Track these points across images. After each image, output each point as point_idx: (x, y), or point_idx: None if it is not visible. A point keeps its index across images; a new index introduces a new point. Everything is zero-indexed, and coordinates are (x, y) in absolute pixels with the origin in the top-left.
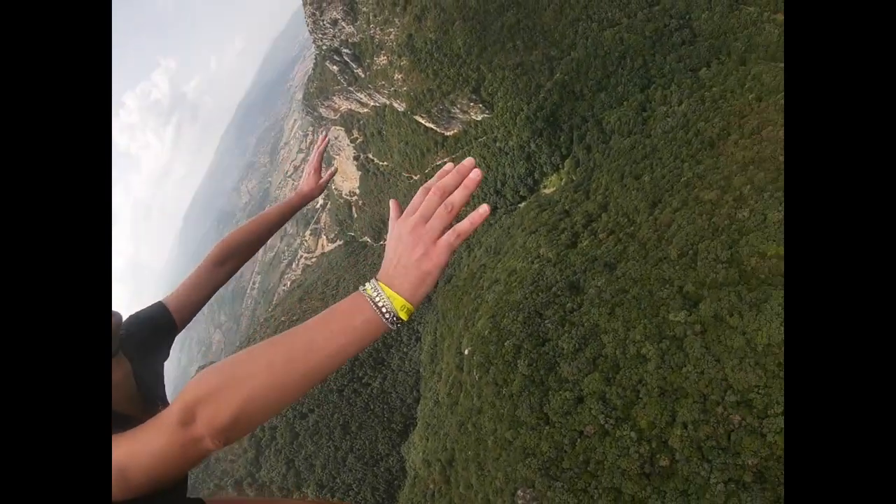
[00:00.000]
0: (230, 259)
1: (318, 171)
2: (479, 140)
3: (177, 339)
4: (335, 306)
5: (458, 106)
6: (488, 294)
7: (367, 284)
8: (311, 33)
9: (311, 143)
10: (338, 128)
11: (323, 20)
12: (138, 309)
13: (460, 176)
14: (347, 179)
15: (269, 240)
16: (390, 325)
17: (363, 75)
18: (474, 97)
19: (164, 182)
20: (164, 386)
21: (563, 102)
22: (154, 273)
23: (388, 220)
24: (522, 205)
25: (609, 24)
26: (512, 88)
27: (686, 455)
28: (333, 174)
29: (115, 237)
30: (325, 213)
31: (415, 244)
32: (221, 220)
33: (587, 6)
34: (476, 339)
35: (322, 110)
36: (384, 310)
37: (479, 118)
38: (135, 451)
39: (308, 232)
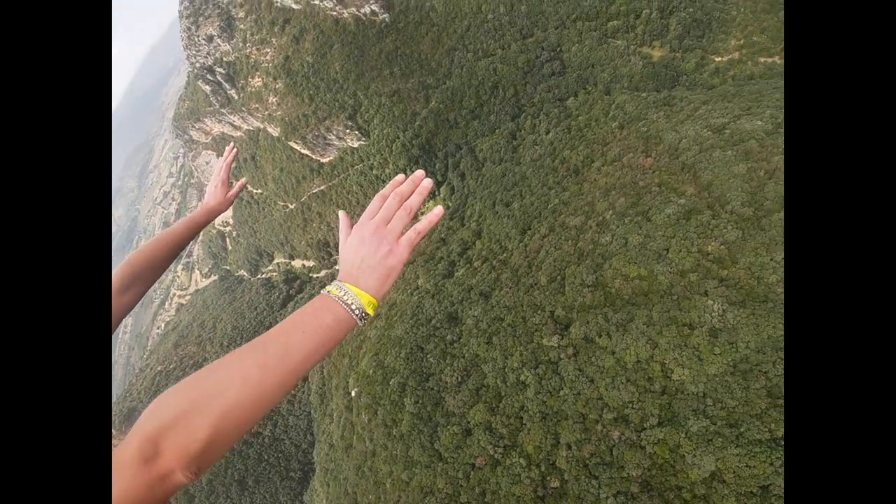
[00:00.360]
0: (133, 286)
1: (227, 184)
2: (356, 167)
3: None
4: (302, 310)
5: (334, 132)
6: (370, 330)
7: (330, 286)
8: (185, 49)
9: (183, 168)
10: (209, 152)
11: (198, 35)
12: None
13: (414, 184)
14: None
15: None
16: (359, 321)
17: (237, 97)
18: (350, 124)
19: None
20: None
21: (438, 130)
22: None
23: (263, 251)
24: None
25: (484, 54)
26: (388, 116)
27: (574, 475)
28: (244, 186)
29: None
30: (197, 246)
31: (379, 243)
32: None
33: (463, 36)
34: (362, 379)
35: (193, 133)
36: (353, 306)
37: (356, 145)
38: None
39: (180, 266)
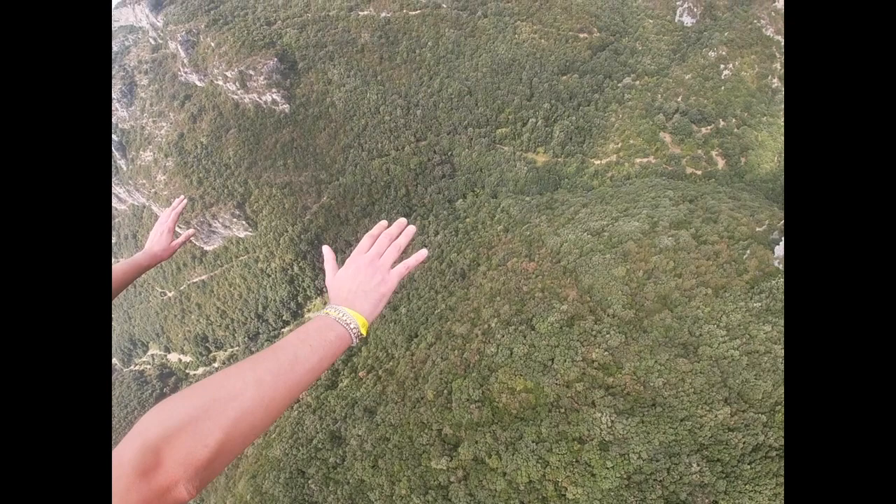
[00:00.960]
0: None
1: (172, 231)
2: (241, 258)
3: None
4: (305, 327)
5: (221, 220)
6: (248, 448)
7: (327, 309)
8: None
9: None
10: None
11: None
12: None
13: (400, 229)
14: None
15: None
16: (355, 339)
17: (125, 168)
18: (238, 213)
19: None
20: None
21: (328, 226)
22: None
23: (137, 340)
24: (286, 330)
25: (378, 154)
26: (278, 207)
27: None
28: (190, 237)
29: None
30: None
31: (373, 273)
32: None
33: (360, 135)
34: None
35: None
36: (351, 325)
37: (242, 235)
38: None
39: None
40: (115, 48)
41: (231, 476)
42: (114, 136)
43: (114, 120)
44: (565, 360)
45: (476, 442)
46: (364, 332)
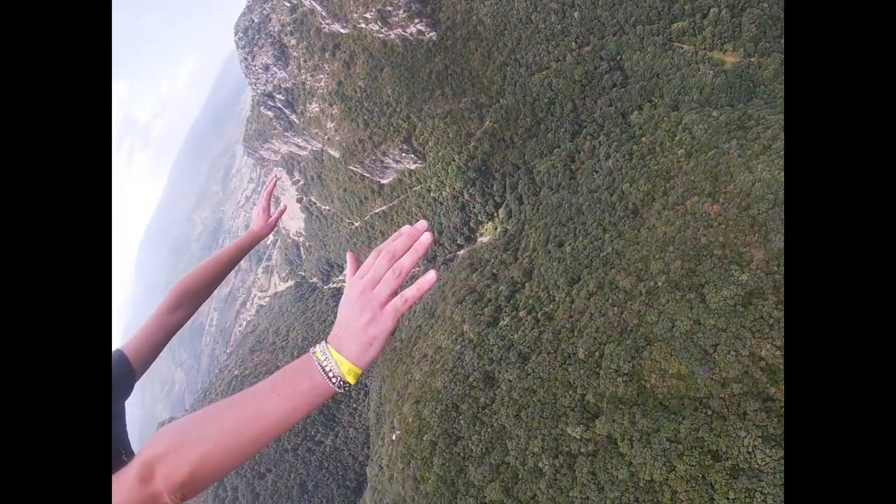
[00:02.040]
0: (183, 305)
1: (267, 210)
2: (414, 189)
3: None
4: (286, 369)
5: (391, 156)
6: (417, 370)
7: (316, 347)
8: (245, 77)
9: (260, 175)
10: (279, 169)
11: (255, 65)
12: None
13: (411, 239)
14: (294, 219)
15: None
16: (337, 389)
17: (297, 121)
18: (406, 147)
19: (116, 210)
20: (125, 430)
21: (494, 151)
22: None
23: (333, 262)
24: (461, 252)
25: (538, 68)
26: (442, 138)
27: None
28: (283, 212)
29: None
30: (275, 251)
31: (362, 309)
32: (176, 250)
33: (514, 50)
34: (402, 424)
35: (263, 152)
36: (331, 374)
37: (413, 167)
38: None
39: (261, 269)
40: (255, 19)
41: (402, 395)
42: (279, 96)
43: (275, 82)
44: (729, 352)
45: (613, 420)
46: (351, 381)
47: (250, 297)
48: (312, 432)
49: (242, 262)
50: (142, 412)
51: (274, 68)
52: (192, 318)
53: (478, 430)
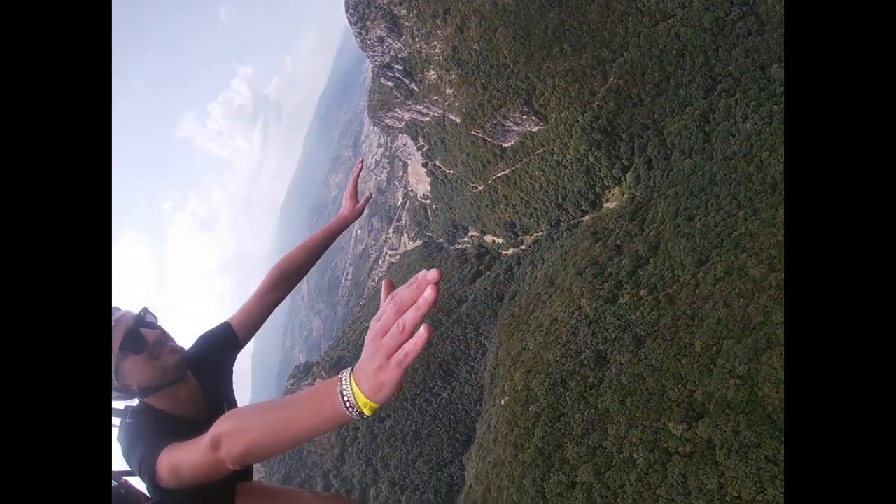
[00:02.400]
0: (279, 287)
1: (354, 196)
2: (537, 153)
3: (281, 324)
4: (316, 389)
5: (512, 119)
6: (531, 340)
7: (344, 373)
8: (362, 50)
9: (387, 141)
10: (405, 136)
11: (369, 38)
12: (243, 297)
13: (417, 291)
14: (421, 182)
15: (358, 233)
16: (355, 417)
17: (417, 90)
18: (527, 109)
19: (258, 179)
20: (232, 391)
21: (620, 110)
22: (257, 261)
23: (458, 224)
24: (586, 219)
25: (662, 16)
26: (564, 97)
27: None
28: (369, 199)
29: (217, 233)
30: (405, 213)
31: (373, 355)
32: (314, 211)
33: None
34: (512, 391)
35: (387, 120)
36: (348, 404)
37: (535, 129)
38: (185, 459)
39: (391, 229)
40: None
41: (515, 362)
42: (397, 66)
43: (391, 53)
44: None
45: (717, 426)
46: (367, 413)
47: (382, 254)
48: (431, 384)
49: (375, 222)
50: (281, 355)
51: (388, 40)
52: (330, 272)
53: (581, 409)
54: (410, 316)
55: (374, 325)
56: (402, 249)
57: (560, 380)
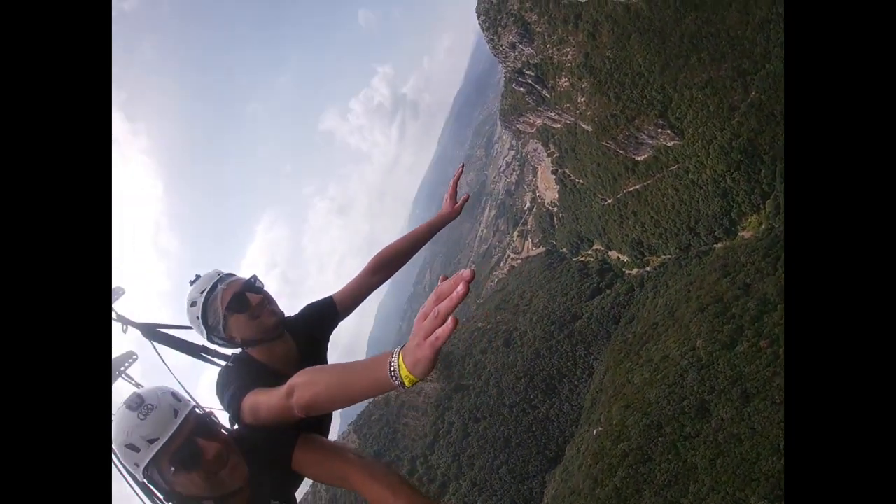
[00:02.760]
0: (381, 271)
1: (453, 197)
2: (671, 169)
3: (401, 309)
4: (376, 358)
5: (646, 132)
6: (638, 374)
7: (396, 350)
8: (494, 56)
9: (518, 145)
10: (535, 141)
11: (501, 44)
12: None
13: (453, 286)
14: (549, 189)
15: (483, 232)
16: (397, 386)
17: (549, 96)
18: (662, 122)
19: (394, 172)
20: (325, 357)
21: (762, 128)
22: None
23: (583, 236)
24: (718, 247)
25: None
26: (702, 111)
27: None
28: (466, 200)
29: (352, 218)
30: (531, 217)
31: (415, 334)
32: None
33: (776, 2)
34: (606, 423)
35: (519, 125)
36: (393, 374)
37: (670, 144)
38: (265, 401)
39: (516, 232)
40: (493, 0)
41: (617, 393)
42: (528, 73)
43: (523, 59)
44: None
45: None
46: (408, 385)
47: (505, 256)
48: (531, 396)
49: (501, 223)
50: (397, 338)
51: (520, 46)
52: (453, 266)
53: (670, 458)
54: (444, 305)
55: (422, 308)
56: (524, 254)
57: (657, 423)
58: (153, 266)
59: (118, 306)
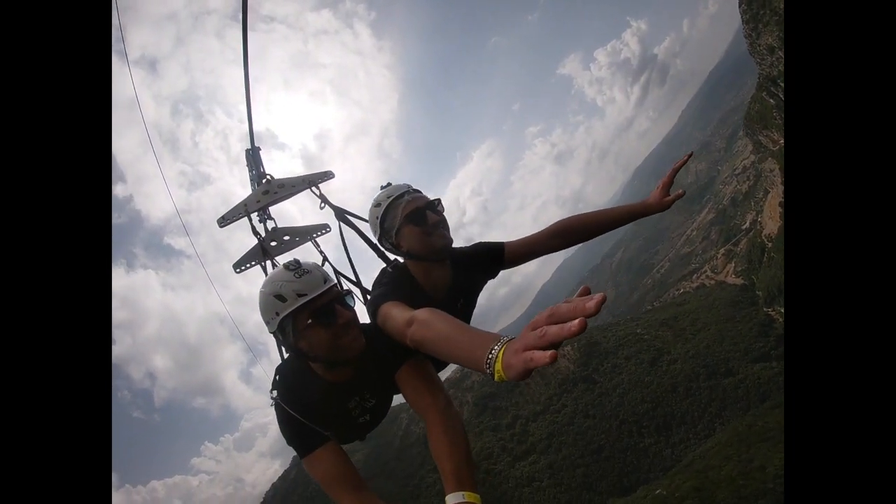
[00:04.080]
0: (563, 237)
1: (667, 187)
2: None
3: (578, 278)
4: (486, 335)
5: None
6: (731, 466)
7: (504, 339)
8: (750, 54)
9: (754, 160)
10: (773, 161)
11: (759, 44)
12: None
13: (571, 314)
14: (772, 219)
15: (693, 234)
16: (486, 373)
17: None
18: None
19: (624, 134)
20: (474, 300)
21: None
22: (595, 208)
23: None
24: None
25: None
26: None
27: None
28: (680, 196)
29: (567, 168)
30: (745, 240)
31: (519, 339)
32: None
33: None
34: (669, 490)
35: (761, 137)
36: (488, 361)
37: None
38: (392, 315)
39: (724, 250)
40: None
41: (697, 470)
42: (783, 85)
43: (779, 66)
44: None
45: None
46: (495, 377)
47: (701, 270)
48: (644, 423)
49: (714, 233)
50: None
51: (779, 52)
52: (644, 255)
53: None
54: (554, 332)
55: (535, 318)
56: (722, 277)
57: None
58: (370, 163)
59: (323, 187)
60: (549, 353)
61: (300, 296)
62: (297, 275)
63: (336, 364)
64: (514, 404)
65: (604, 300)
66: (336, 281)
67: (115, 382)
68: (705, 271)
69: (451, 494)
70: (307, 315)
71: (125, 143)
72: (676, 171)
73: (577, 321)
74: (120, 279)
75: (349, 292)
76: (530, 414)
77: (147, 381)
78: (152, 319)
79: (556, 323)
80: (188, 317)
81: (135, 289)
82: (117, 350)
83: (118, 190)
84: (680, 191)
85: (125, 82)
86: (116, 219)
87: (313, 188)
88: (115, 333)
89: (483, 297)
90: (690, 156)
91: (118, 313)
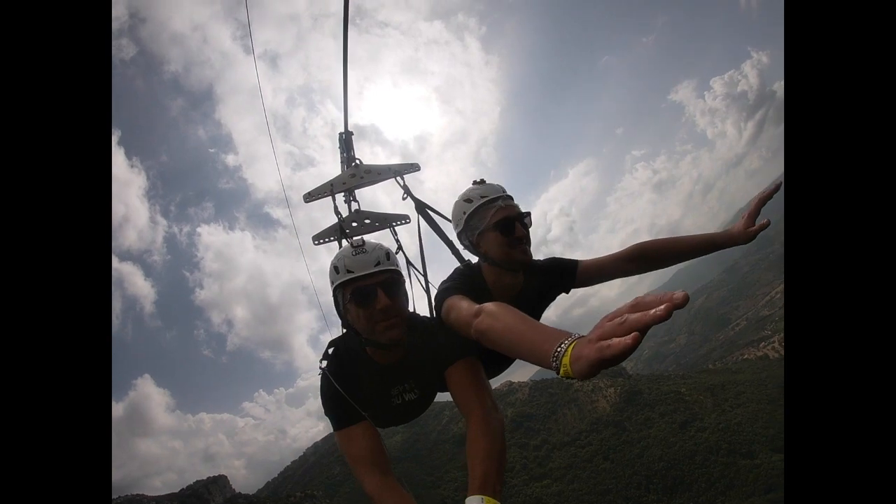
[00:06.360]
0: (639, 261)
1: (753, 217)
2: None
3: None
4: (554, 331)
5: None
6: None
7: (574, 335)
8: None
9: None
10: None
11: None
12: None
13: (657, 303)
14: None
15: (776, 295)
16: (553, 368)
17: None
18: None
19: (733, 170)
20: (542, 309)
21: None
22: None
23: None
24: None
25: None
26: None
27: None
28: (765, 226)
29: (667, 197)
30: None
31: (593, 329)
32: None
33: None
34: None
35: None
36: (555, 356)
37: None
38: (458, 307)
39: None
40: None
41: None
42: None
43: None
44: None
45: None
46: (560, 373)
47: (771, 340)
48: (654, 482)
49: None
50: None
51: None
52: (723, 307)
53: None
54: (636, 317)
55: (615, 310)
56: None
57: None
58: (464, 170)
59: (413, 180)
60: (630, 336)
61: (349, 272)
62: (354, 252)
63: (378, 346)
64: (546, 429)
65: (687, 299)
66: (397, 269)
67: (195, 322)
68: (773, 342)
69: (472, 497)
70: (349, 291)
71: (243, 125)
72: (764, 201)
73: (663, 306)
74: (219, 235)
75: (402, 282)
76: (558, 442)
77: (224, 326)
78: (241, 275)
79: (637, 310)
80: (273, 279)
81: (231, 245)
82: (204, 295)
83: (229, 160)
84: (765, 220)
85: (251, 72)
86: (224, 184)
87: (398, 178)
88: (205, 281)
89: (556, 315)
90: (780, 186)
91: (213, 264)
